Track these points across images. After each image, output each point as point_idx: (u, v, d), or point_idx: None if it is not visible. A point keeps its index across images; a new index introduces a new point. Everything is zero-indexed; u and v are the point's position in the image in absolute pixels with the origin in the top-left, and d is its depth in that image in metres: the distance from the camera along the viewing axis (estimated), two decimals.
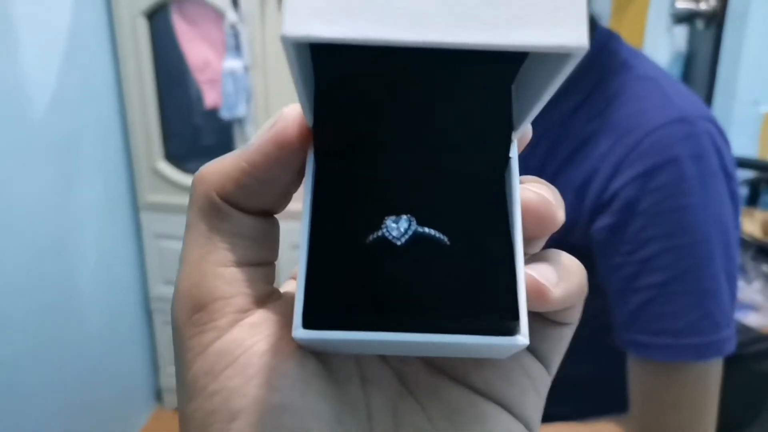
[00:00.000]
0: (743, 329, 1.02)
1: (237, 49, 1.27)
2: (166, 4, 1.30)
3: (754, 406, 0.88)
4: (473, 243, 0.17)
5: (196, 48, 1.34)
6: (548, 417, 0.26)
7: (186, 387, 0.18)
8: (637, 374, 0.56)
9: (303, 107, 0.17)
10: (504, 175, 0.18)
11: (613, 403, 0.61)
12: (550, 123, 0.59)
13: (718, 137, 0.54)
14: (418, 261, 0.17)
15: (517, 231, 0.17)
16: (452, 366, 0.19)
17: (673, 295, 0.53)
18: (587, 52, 0.13)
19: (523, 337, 0.16)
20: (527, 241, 0.18)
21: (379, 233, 0.17)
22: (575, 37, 0.13)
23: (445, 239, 0.17)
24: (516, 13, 0.13)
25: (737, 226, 0.55)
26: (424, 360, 0.20)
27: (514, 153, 0.18)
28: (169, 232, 1.43)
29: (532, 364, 0.20)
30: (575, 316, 0.20)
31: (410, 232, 0.17)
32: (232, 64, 1.27)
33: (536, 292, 0.17)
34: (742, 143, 1.57)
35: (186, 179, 1.39)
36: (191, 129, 1.44)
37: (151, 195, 1.42)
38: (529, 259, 0.18)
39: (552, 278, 0.17)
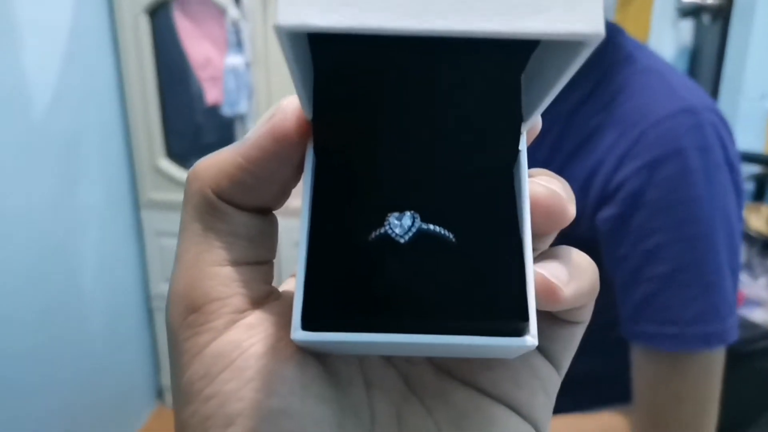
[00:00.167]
0: (749, 326, 1.01)
1: (238, 45, 1.27)
2: (167, 1, 1.30)
3: (760, 403, 0.88)
4: (480, 240, 0.17)
5: (198, 45, 1.33)
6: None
7: (181, 391, 0.17)
8: (642, 365, 0.56)
9: (301, 100, 0.16)
10: (512, 169, 0.18)
11: (616, 399, 0.61)
12: (556, 117, 0.59)
13: (723, 129, 0.55)
14: (422, 259, 0.16)
15: (526, 227, 0.17)
16: (459, 368, 0.19)
17: (679, 286, 0.53)
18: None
19: (532, 338, 0.15)
20: (537, 237, 0.18)
21: (382, 230, 0.16)
22: (591, 24, 0.12)
23: (451, 236, 0.17)
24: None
25: (741, 217, 0.56)
26: (430, 361, 0.19)
27: (523, 146, 0.18)
28: (170, 230, 1.43)
29: (542, 364, 0.19)
30: (586, 315, 0.19)
31: (414, 230, 0.16)
32: (234, 60, 1.27)
33: (546, 291, 0.16)
34: (749, 138, 1.56)
35: None
36: (193, 126, 1.44)
37: (153, 193, 1.42)
38: (539, 256, 0.17)
39: (563, 277, 0.16)
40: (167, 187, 1.40)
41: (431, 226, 0.16)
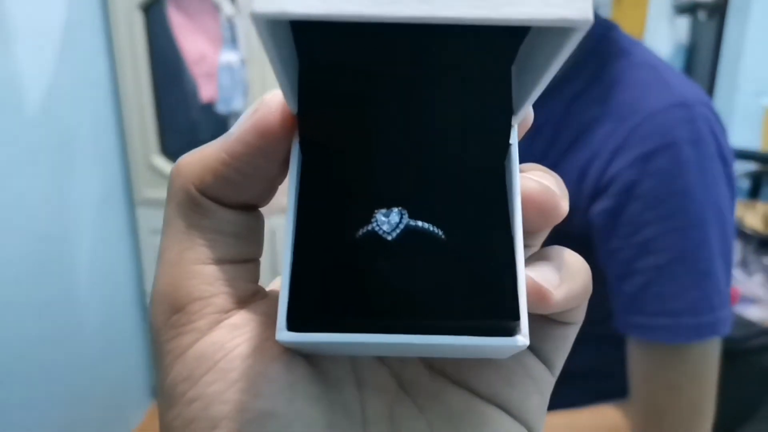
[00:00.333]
0: (745, 323, 1.02)
1: (233, 42, 1.26)
2: None
3: (756, 400, 0.88)
4: (470, 237, 0.16)
5: (192, 41, 1.32)
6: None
7: (165, 393, 0.16)
8: (637, 358, 0.57)
9: (284, 93, 0.16)
10: (504, 164, 0.17)
11: (612, 394, 0.62)
12: (551, 112, 0.59)
13: (715, 123, 0.55)
14: (410, 257, 0.16)
15: (518, 224, 0.16)
16: (452, 367, 0.18)
17: (671, 277, 0.54)
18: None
19: (523, 338, 0.15)
20: (529, 234, 0.17)
21: (369, 227, 0.16)
22: (579, 10, 0.12)
23: (440, 233, 0.16)
24: None
25: (733, 210, 0.57)
26: (423, 361, 0.19)
27: (514, 139, 0.17)
28: None
29: (535, 364, 0.19)
30: (579, 316, 0.19)
31: (402, 226, 0.16)
32: (229, 57, 1.26)
33: (537, 295, 0.16)
34: (745, 135, 1.56)
35: None
36: (187, 123, 1.43)
37: (147, 190, 1.41)
38: (531, 257, 0.17)
39: (554, 280, 0.16)
40: (162, 184, 1.40)
41: (419, 223, 0.16)
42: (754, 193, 1.64)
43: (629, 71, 0.58)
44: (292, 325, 0.15)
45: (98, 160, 1.33)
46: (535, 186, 0.16)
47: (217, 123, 1.37)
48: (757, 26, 1.53)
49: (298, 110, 0.16)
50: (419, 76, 0.16)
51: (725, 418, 0.60)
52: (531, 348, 0.18)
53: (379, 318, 0.15)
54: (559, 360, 0.19)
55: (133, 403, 1.53)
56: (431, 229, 0.16)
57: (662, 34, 1.64)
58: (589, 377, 0.62)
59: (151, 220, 1.43)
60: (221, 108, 1.31)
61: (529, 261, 0.17)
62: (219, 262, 0.17)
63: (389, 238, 0.16)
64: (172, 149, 1.40)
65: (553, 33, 0.13)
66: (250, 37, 1.27)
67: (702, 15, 1.61)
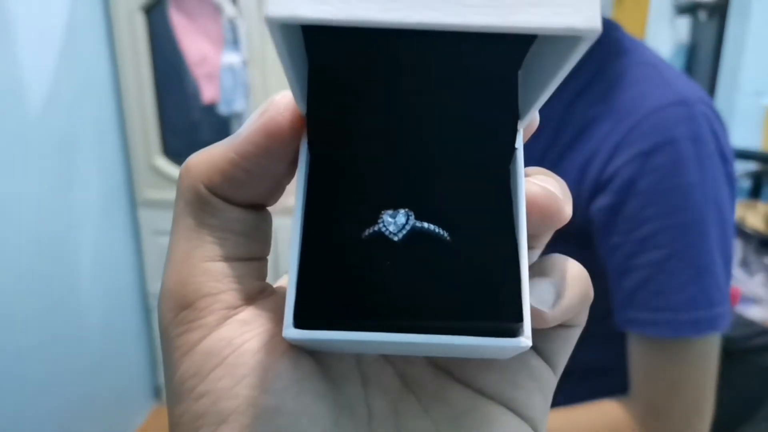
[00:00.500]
0: (746, 323, 1.01)
1: (235, 43, 1.26)
2: None
3: (757, 399, 0.88)
4: (475, 239, 0.17)
5: (194, 42, 1.33)
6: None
7: (173, 389, 0.17)
8: (638, 353, 0.57)
9: (294, 94, 0.16)
10: (509, 167, 0.18)
11: (613, 390, 0.62)
12: (552, 110, 0.60)
13: (715, 121, 0.56)
14: (416, 258, 0.16)
15: (522, 227, 0.16)
16: (457, 367, 0.19)
17: (671, 272, 0.54)
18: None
19: (526, 339, 0.15)
20: (532, 237, 0.18)
21: (376, 228, 0.16)
22: (587, 19, 0.12)
23: (446, 235, 0.16)
24: None
25: (733, 207, 0.57)
26: (428, 360, 0.19)
27: (519, 144, 0.17)
28: (167, 229, 1.40)
29: (538, 364, 0.19)
30: (582, 319, 0.19)
31: (408, 227, 0.16)
32: (230, 58, 1.26)
33: (532, 314, 0.16)
34: (745, 135, 1.56)
35: None
36: (189, 124, 1.43)
37: (149, 191, 1.41)
38: (531, 268, 0.17)
39: (549, 299, 0.16)
40: (164, 185, 1.40)
41: (425, 224, 0.16)
42: (755, 193, 1.64)
43: (630, 70, 0.58)
44: (299, 323, 0.15)
45: (100, 161, 1.33)
46: (539, 190, 0.17)
47: (219, 124, 1.37)
48: (757, 26, 1.53)
49: (306, 111, 0.17)
50: (428, 80, 0.16)
51: (725, 418, 0.61)
52: (534, 348, 0.19)
53: (384, 317, 0.15)
54: (562, 360, 0.19)
55: (136, 404, 1.53)
56: (437, 230, 0.16)
57: (663, 34, 1.64)
58: (590, 374, 0.63)
59: (153, 221, 1.44)
60: (223, 109, 1.31)
61: (529, 269, 0.17)
62: (227, 259, 0.17)
63: (395, 238, 0.16)
64: (173, 150, 1.41)
65: (560, 40, 0.14)
66: (252, 39, 1.27)
67: (702, 15, 1.61)
